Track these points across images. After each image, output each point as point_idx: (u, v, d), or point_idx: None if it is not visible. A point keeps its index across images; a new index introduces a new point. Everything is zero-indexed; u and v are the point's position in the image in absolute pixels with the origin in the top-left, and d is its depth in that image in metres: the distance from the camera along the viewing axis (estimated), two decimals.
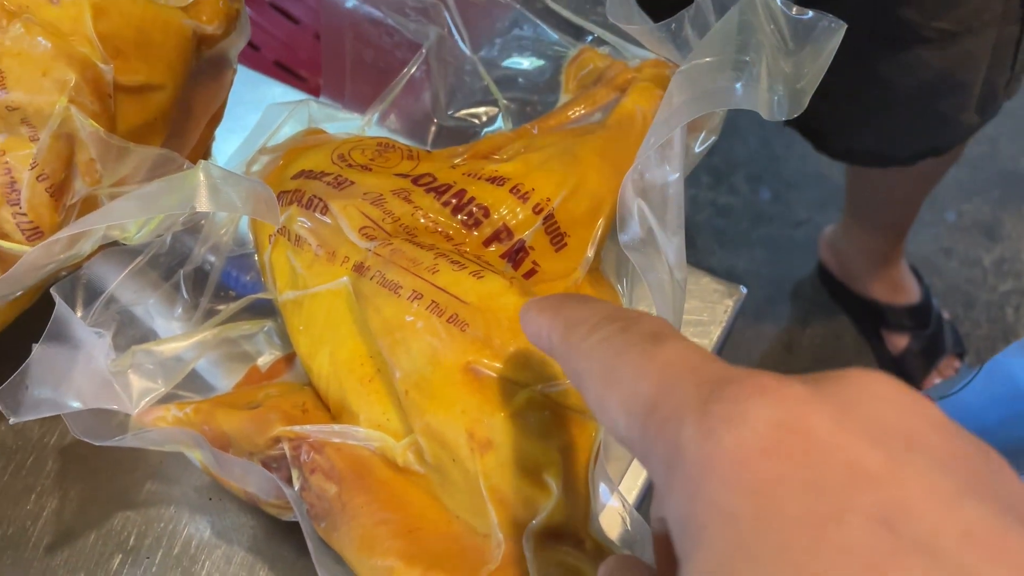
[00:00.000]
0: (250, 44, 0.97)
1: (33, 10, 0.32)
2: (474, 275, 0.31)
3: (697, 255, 1.39)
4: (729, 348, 1.53)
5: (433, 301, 0.31)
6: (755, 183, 1.46)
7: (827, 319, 1.36)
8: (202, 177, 0.30)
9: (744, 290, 0.43)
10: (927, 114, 0.86)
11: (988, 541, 0.14)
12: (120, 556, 0.38)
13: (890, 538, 0.14)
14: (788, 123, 1.00)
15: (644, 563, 0.23)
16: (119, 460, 0.40)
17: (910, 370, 1.30)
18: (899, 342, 1.31)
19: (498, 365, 0.29)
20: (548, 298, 0.24)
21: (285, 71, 0.99)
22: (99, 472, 0.39)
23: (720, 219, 1.43)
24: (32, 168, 0.32)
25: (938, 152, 0.94)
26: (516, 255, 0.34)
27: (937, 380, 1.30)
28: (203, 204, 0.30)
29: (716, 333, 0.42)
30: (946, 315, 1.33)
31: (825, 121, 0.94)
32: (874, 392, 0.16)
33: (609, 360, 0.19)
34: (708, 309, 0.42)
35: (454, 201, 0.35)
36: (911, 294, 1.31)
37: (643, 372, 0.18)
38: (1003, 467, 0.16)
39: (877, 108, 0.86)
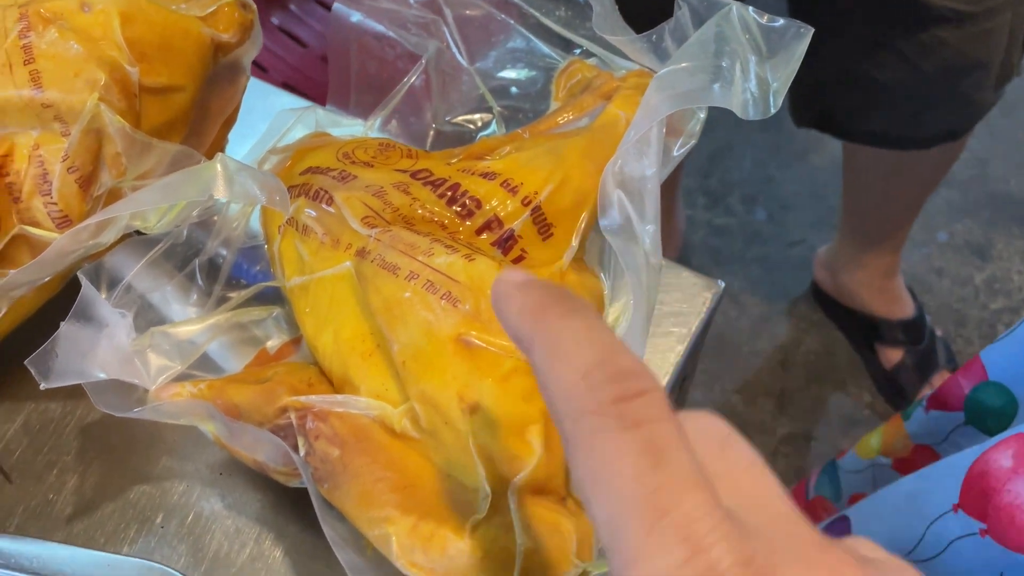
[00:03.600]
0: (259, 66, 1.01)
1: (67, 17, 0.35)
2: (466, 258, 0.34)
3: None
4: (726, 366, 1.54)
5: (428, 280, 0.33)
6: (750, 204, 1.49)
7: (821, 336, 1.38)
8: (219, 168, 0.33)
9: (722, 284, 0.46)
10: (949, 94, 0.89)
11: None
12: (136, 526, 0.40)
13: None
14: (804, 123, 1.03)
15: None
16: (136, 438, 0.42)
17: (904, 384, 1.32)
18: (893, 356, 1.33)
19: (486, 337, 0.32)
20: (529, 297, 0.21)
21: (293, 92, 1.03)
22: (117, 449, 0.42)
23: (716, 239, 1.46)
24: (63, 161, 0.36)
25: (956, 135, 0.96)
26: (506, 243, 0.37)
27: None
28: (220, 192, 0.33)
29: (695, 323, 0.44)
30: (939, 332, 1.36)
31: (845, 107, 0.96)
32: None
33: (593, 465, 0.18)
34: (688, 300, 0.45)
35: (449, 193, 0.38)
36: (906, 308, 1.33)
37: (630, 516, 0.17)
38: None
39: (900, 89, 0.89)
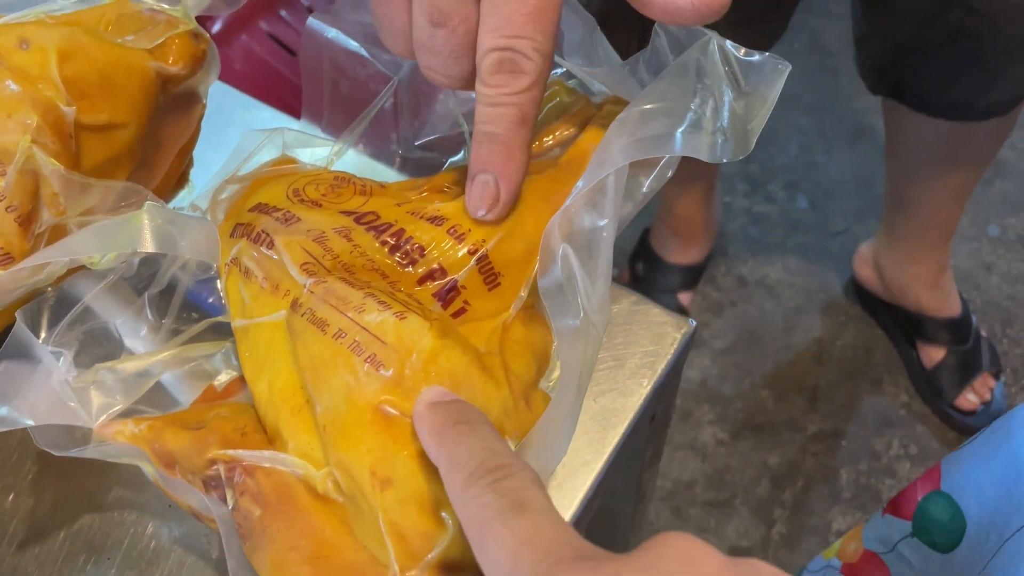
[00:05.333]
0: (246, 75, 0.98)
1: (4, 55, 0.35)
2: (397, 316, 0.33)
3: (728, 263, 1.38)
4: (757, 359, 1.50)
5: (355, 340, 0.32)
6: (792, 191, 1.45)
7: (859, 332, 1.34)
8: (146, 219, 0.33)
9: (693, 323, 0.44)
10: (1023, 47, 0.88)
11: None
12: (85, 555, 0.40)
13: None
14: (879, 91, 1.01)
15: None
16: (91, 466, 0.42)
17: (943, 385, 1.28)
18: (935, 355, 1.28)
19: (405, 405, 0.31)
20: (435, 419, 0.29)
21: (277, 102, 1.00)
22: (72, 476, 0.42)
23: (754, 227, 1.42)
24: (1, 200, 0.35)
25: None
26: (447, 294, 0.36)
27: (971, 397, 1.27)
28: (147, 245, 0.33)
29: (661, 365, 0.43)
30: (983, 332, 1.30)
31: (924, 77, 0.95)
32: (670, 553, 0.22)
33: (478, 525, 0.25)
34: (656, 341, 0.43)
35: (391, 240, 0.36)
36: (953, 307, 1.28)
37: (502, 546, 0.24)
38: None
39: (976, 50, 0.88)
